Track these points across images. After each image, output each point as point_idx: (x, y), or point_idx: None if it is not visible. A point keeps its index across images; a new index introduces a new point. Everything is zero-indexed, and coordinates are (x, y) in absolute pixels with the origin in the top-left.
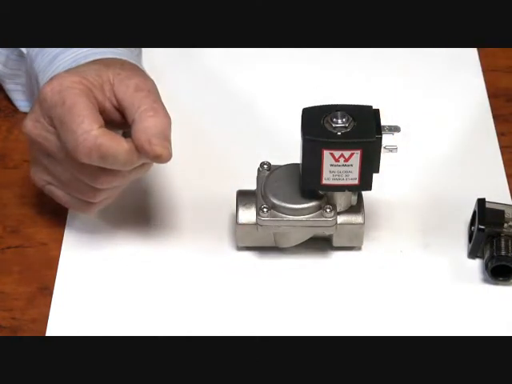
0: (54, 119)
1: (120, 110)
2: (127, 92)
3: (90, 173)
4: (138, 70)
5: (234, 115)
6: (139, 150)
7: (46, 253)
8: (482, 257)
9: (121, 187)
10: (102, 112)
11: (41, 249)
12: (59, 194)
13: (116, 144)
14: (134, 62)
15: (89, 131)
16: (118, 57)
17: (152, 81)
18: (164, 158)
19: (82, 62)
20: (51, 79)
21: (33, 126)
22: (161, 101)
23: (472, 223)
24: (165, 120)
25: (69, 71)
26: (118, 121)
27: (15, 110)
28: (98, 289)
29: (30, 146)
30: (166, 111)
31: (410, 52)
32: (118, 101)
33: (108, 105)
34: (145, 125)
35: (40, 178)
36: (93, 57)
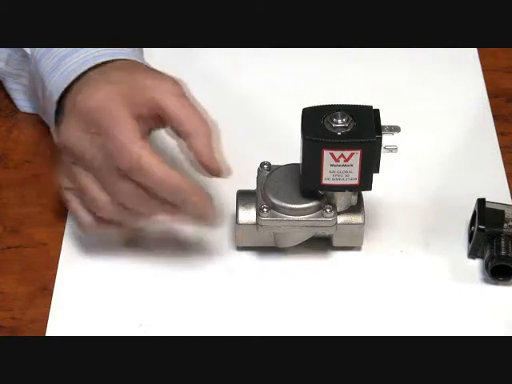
0: (95, 127)
1: (156, 114)
2: (167, 99)
3: (126, 190)
4: (160, 73)
5: (234, 115)
6: (203, 165)
7: (46, 253)
8: (482, 257)
9: (139, 220)
10: (138, 119)
11: (41, 249)
12: (78, 207)
13: (156, 162)
14: (144, 62)
15: (134, 142)
16: (127, 57)
17: (172, 78)
18: (223, 173)
19: (92, 63)
20: (87, 88)
21: (69, 135)
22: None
23: (472, 223)
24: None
25: (101, 79)
26: (152, 127)
27: (15, 109)
28: (98, 289)
29: (62, 155)
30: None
31: (410, 52)
32: (155, 106)
33: (145, 111)
34: (201, 142)
35: (64, 184)
36: (102, 58)
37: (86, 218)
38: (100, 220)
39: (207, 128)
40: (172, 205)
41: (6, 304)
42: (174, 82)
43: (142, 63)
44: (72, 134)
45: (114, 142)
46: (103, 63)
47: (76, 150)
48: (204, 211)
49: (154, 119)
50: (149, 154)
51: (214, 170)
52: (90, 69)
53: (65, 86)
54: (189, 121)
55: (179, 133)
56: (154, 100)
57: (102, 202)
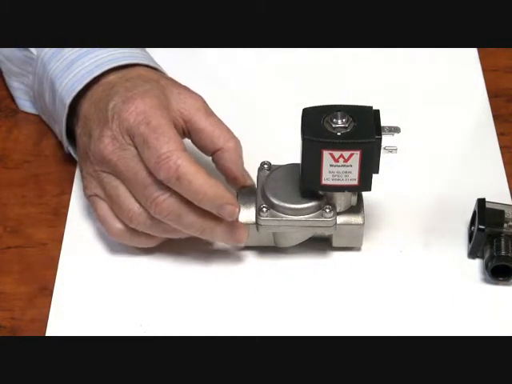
0: (134, 137)
1: (182, 127)
2: (196, 114)
3: (162, 203)
4: (184, 86)
5: (234, 115)
6: (232, 179)
7: (46, 253)
8: (482, 257)
9: (169, 233)
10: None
11: (41, 249)
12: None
13: (195, 170)
14: (155, 65)
15: (172, 151)
16: (147, 63)
17: (196, 93)
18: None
19: (106, 67)
20: (119, 97)
21: (110, 144)
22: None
23: (472, 223)
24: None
25: (132, 89)
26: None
27: (15, 110)
28: (98, 289)
29: (91, 164)
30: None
31: (410, 52)
32: (186, 119)
33: (178, 124)
34: (233, 158)
35: (92, 191)
36: (115, 62)
37: (115, 225)
38: (130, 229)
39: (235, 143)
40: (205, 221)
41: (5, 304)
42: (200, 97)
43: (163, 73)
44: (106, 145)
45: (151, 151)
46: (120, 67)
47: (112, 162)
48: (238, 224)
49: (180, 133)
50: (187, 163)
51: (240, 184)
52: (106, 72)
53: (78, 89)
54: (219, 136)
55: (206, 146)
56: (184, 114)
57: (135, 213)
